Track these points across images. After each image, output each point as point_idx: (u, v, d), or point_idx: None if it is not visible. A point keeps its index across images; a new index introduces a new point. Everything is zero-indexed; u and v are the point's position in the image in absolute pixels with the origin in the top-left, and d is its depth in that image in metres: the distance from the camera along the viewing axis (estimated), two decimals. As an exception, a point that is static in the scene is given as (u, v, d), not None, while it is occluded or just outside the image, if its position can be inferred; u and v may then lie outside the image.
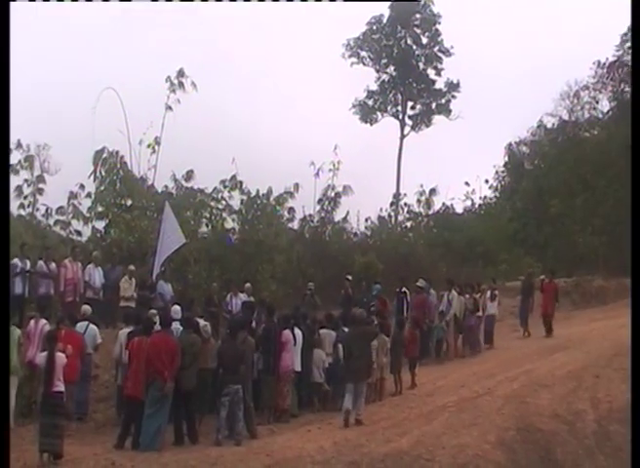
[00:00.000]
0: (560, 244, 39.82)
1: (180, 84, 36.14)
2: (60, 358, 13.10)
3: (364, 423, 15.08)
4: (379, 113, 52.78)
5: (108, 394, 17.49)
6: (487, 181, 49.06)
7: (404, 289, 23.61)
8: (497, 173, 49.19)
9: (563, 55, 57.86)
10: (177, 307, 17.40)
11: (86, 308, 17.25)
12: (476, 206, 48.22)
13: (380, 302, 22.54)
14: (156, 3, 58.66)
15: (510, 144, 49.04)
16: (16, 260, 19.69)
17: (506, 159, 48.99)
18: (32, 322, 16.61)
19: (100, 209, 29.90)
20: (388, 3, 51.30)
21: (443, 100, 52.26)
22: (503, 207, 46.74)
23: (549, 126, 48.22)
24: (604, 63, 43.21)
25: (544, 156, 46.78)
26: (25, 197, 39.80)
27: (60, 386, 12.92)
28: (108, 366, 17.86)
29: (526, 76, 71.37)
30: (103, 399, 17.47)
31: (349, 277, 25.11)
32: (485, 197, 49.10)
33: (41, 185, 40.49)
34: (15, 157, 39.23)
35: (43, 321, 16.45)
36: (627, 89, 39.55)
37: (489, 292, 24.94)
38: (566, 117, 46.81)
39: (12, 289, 19.48)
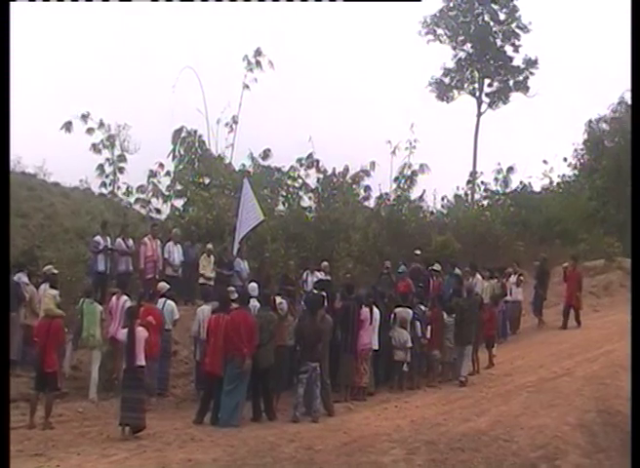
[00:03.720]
0: (641, 223, 38.90)
1: (258, 63, 36.39)
2: (141, 332, 13.28)
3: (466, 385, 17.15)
4: (455, 91, 51.97)
5: (187, 370, 17.81)
6: (565, 159, 47.97)
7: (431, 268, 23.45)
8: (576, 150, 48.11)
9: (646, 28, 56.24)
10: (254, 285, 17.46)
11: (163, 285, 17.44)
12: (554, 184, 47.02)
13: (404, 283, 22.05)
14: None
15: (590, 121, 47.95)
16: (98, 238, 20.14)
17: (586, 136, 47.90)
18: (114, 298, 16.92)
19: (178, 187, 30.42)
20: (466, -21, 50.52)
21: (521, 77, 51.12)
22: (583, 185, 45.69)
23: (631, 102, 47.15)
24: (689, 37, 41.99)
25: (625, 133, 45.71)
26: (107, 176, 40.50)
27: (142, 360, 13.09)
28: (187, 342, 18.14)
29: (606, 51, 69.99)
30: (183, 375, 17.79)
31: (418, 252, 24.95)
32: (564, 175, 47.93)
33: (122, 164, 41.00)
34: (97, 136, 40.03)
35: (124, 297, 16.70)
36: None
37: (514, 277, 24.12)
38: (648, 93, 45.67)
39: (94, 266, 20.01)
